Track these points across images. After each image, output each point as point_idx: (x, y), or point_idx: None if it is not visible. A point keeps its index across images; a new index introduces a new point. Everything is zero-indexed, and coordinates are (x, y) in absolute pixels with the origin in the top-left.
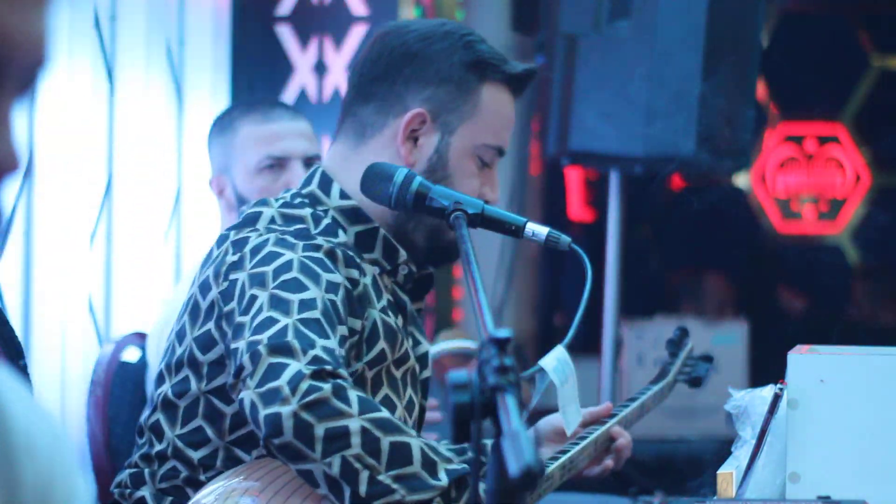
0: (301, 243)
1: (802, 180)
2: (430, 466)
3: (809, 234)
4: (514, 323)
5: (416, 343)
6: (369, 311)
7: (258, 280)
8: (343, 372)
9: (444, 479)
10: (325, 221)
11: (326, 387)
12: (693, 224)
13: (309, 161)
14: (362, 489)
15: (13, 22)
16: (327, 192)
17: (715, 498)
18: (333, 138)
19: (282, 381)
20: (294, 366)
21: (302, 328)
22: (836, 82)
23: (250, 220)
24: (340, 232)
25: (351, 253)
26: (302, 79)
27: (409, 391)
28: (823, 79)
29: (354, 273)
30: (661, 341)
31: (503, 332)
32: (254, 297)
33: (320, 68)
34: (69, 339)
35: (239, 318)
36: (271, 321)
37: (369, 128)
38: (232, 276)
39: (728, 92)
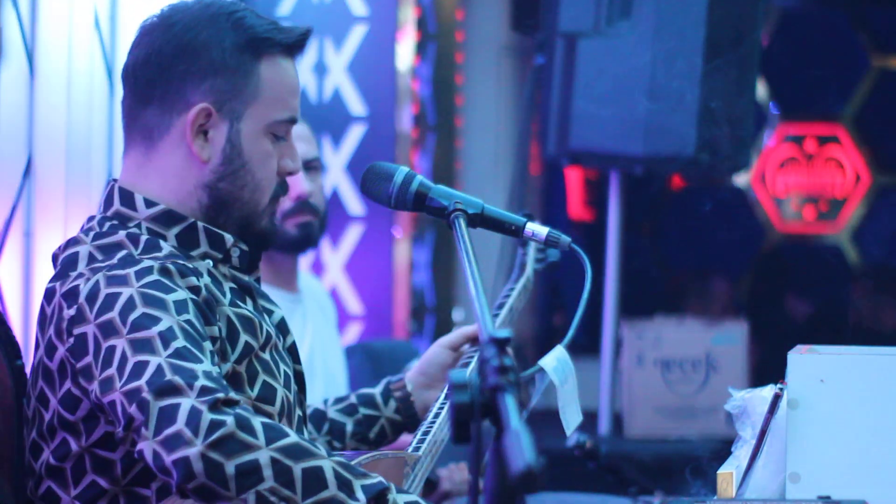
0: (132, 271)
1: (802, 180)
2: (345, 487)
3: (809, 234)
4: (514, 323)
5: (270, 313)
6: (220, 311)
7: (108, 329)
8: (233, 395)
9: (362, 499)
10: (143, 238)
11: (229, 420)
12: (693, 224)
13: (308, 164)
14: None
15: None
16: (132, 205)
17: (715, 498)
18: (124, 151)
19: (180, 424)
20: (186, 403)
21: (176, 361)
22: (836, 82)
23: (70, 265)
24: (161, 242)
25: (181, 262)
26: (302, 79)
27: (283, 367)
28: (823, 79)
29: (193, 280)
30: (662, 341)
31: (503, 332)
32: (112, 348)
33: (320, 68)
34: None
35: (104, 373)
36: (142, 365)
37: (156, 130)
38: (77, 331)
39: (728, 92)
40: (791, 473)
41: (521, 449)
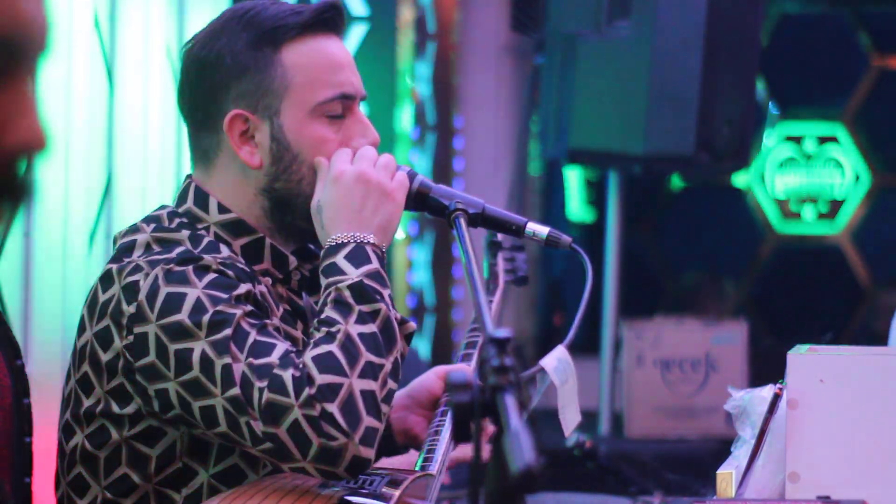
0: (190, 268)
1: (802, 180)
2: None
3: (809, 235)
4: (514, 323)
5: None
6: (271, 320)
7: (178, 332)
8: (295, 355)
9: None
10: (206, 240)
11: (330, 406)
12: (692, 224)
13: None
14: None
15: (25, 7)
16: (205, 208)
17: (715, 498)
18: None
19: (316, 437)
20: (296, 415)
21: (255, 361)
22: (836, 82)
23: (126, 250)
24: (223, 247)
25: (241, 265)
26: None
27: None
28: (823, 79)
29: (248, 286)
30: (661, 341)
31: (503, 332)
32: (188, 351)
33: None
34: (69, 339)
35: (184, 376)
36: (228, 370)
37: (210, 151)
38: (137, 330)
39: (728, 92)
40: (790, 473)
41: (521, 449)
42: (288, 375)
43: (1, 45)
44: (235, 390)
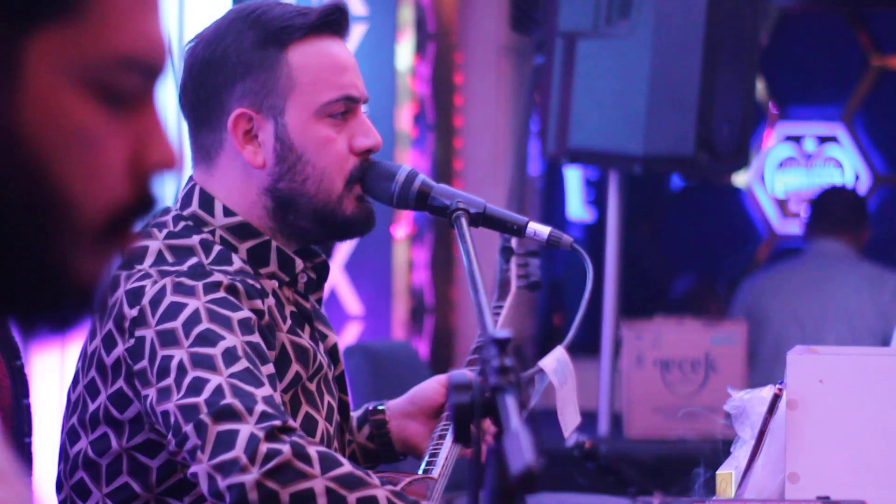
0: (200, 284)
1: (801, 180)
2: None
3: None
4: (514, 323)
5: (324, 337)
6: (277, 336)
7: (169, 338)
8: (291, 422)
9: None
10: (217, 248)
11: (286, 448)
12: (692, 224)
13: None
14: None
15: (158, 30)
16: (210, 211)
17: (714, 498)
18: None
19: (237, 451)
20: (245, 430)
21: (237, 383)
22: (835, 82)
23: (137, 257)
24: (234, 256)
25: (251, 281)
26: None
27: (327, 398)
28: (823, 79)
29: (258, 303)
30: (661, 341)
31: (503, 333)
32: (169, 357)
33: None
34: (68, 339)
35: (160, 383)
36: (201, 381)
37: (212, 149)
38: (138, 333)
39: (727, 92)
40: (790, 473)
41: (521, 449)
42: (263, 408)
43: (145, 68)
44: (196, 399)
